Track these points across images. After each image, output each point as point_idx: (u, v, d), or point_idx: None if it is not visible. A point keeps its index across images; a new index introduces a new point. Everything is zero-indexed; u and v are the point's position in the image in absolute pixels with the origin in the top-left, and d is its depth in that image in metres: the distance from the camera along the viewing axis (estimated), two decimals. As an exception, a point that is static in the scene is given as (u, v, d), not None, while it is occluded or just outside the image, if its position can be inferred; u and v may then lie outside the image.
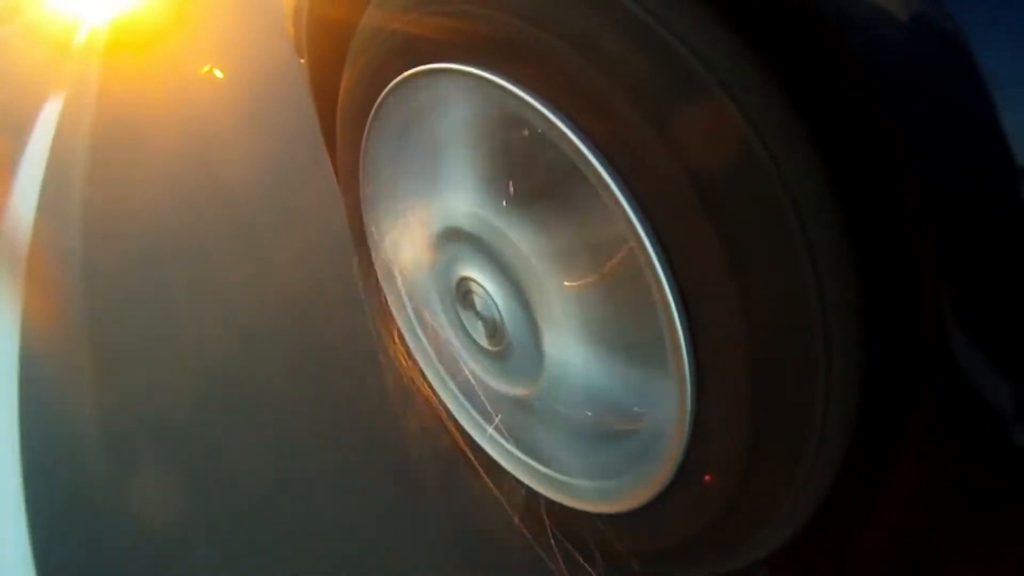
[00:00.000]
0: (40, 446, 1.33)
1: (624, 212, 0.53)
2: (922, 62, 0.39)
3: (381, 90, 0.73)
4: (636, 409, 0.68)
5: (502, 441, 0.83)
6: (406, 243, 0.85)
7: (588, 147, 0.54)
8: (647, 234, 0.52)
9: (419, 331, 0.91)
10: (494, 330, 0.75)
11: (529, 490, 0.81)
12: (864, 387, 0.50)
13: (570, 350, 0.69)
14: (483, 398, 0.84)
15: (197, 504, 1.10)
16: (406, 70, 0.68)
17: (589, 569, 0.77)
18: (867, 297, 0.48)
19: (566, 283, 0.68)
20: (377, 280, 0.95)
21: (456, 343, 0.85)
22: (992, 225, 0.39)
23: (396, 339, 0.94)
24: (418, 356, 0.93)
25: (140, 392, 1.39)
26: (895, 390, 0.50)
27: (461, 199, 0.74)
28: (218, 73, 2.98)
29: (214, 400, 1.31)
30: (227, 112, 2.57)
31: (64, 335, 1.65)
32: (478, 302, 0.76)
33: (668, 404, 0.59)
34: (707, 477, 0.59)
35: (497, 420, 0.78)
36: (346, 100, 0.83)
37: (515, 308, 0.72)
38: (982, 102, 0.37)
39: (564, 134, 0.54)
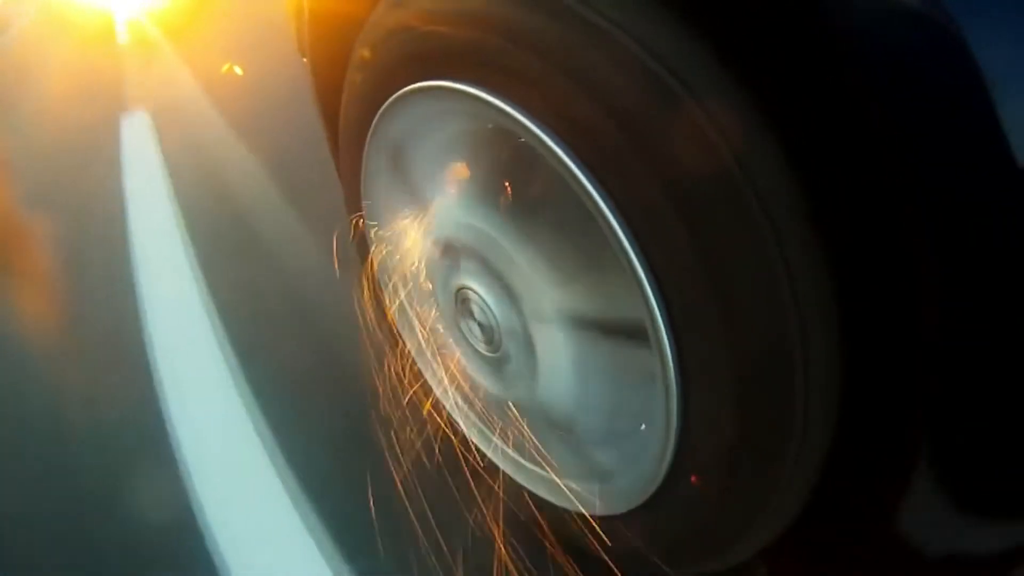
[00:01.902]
0: (44, 444, 1.35)
1: (609, 225, 0.54)
2: (920, 62, 0.39)
3: (379, 106, 0.75)
4: (627, 414, 0.69)
5: (498, 443, 0.85)
6: (406, 249, 0.87)
7: (574, 162, 0.55)
8: (631, 246, 0.54)
9: (420, 336, 0.93)
10: (491, 337, 0.77)
11: (529, 493, 0.83)
12: (844, 388, 0.52)
13: (562, 356, 0.71)
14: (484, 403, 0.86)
15: (199, 503, 1.11)
16: (402, 87, 0.71)
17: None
18: (843, 300, 0.49)
19: (558, 291, 0.69)
20: (378, 283, 0.97)
21: (455, 348, 0.87)
22: (991, 225, 0.40)
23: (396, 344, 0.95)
24: (419, 361, 0.95)
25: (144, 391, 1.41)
26: (879, 391, 0.52)
27: (458, 210, 0.76)
28: (238, 70, 3.00)
29: (218, 400, 1.33)
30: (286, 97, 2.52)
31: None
32: (475, 310, 0.78)
33: (657, 409, 0.60)
34: (693, 478, 0.61)
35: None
36: (347, 112, 0.86)
37: (511, 316, 0.74)
38: (981, 102, 0.37)
39: (553, 151, 0.56)
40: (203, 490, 1.14)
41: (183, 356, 1.47)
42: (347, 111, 0.86)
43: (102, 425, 1.33)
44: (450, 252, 0.79)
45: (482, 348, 0.80)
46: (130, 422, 1.33)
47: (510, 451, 0.84)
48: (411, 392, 0.96)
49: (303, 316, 1.47)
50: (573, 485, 0.75)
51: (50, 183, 2.66)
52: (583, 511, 0.75)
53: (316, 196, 1.67)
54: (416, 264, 0.86)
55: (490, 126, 0.67)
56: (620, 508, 0.70)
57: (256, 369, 1.36)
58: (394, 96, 0.73)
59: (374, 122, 0.78)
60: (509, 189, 0.71)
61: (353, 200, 0.93)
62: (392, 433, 0.95)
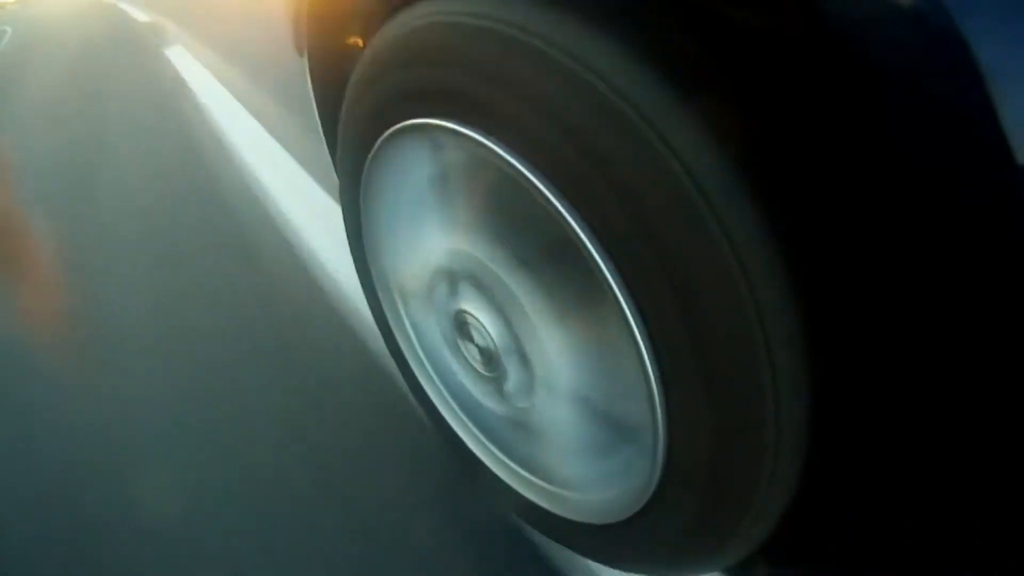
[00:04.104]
0: (41, 442, 1.37)
1: (587, 250, 0.58)
2: (920, 65, 0.39)
3: (374, 142, 0.79)
4: (618, 430, 0.72)
5: (500, 454, 0.88)
6: (406, 272, 0.89)
7: (550, 191, 0.59)
8: (612, 275, 0.57)
9: (420, 353, 0.96)
10: (489, 358, 0.80)
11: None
12: (815, 395, 0.55)
13: (557, 374, 0.73)
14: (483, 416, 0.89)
15: (193, 502, 1.13)
16: (396, 124, 0.74)
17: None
18: (811, 314, 0.52)
19: (551, 314, 0.72)
20: (378, 298, 0.99)
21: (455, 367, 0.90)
22: (991, 226, 0.40)
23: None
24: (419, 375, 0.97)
25: (138, 388, 1.44)
26: (853, 396, 0.56)
27: (454, 238, 0.78)
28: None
29: (213, 399, 1.36)
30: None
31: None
32: (473, 333, 0.80)
33: (645, 423, 0.63)
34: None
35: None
36: (344, 145, 0.88)
37: (507, 339, 0.76)
38: (980, 103, 0.37)
39: (534, 184, 0.60)
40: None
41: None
42: (344, 140, 0.88)
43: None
44: (448, 277, 0.81)
45: (480, 368, 0.83)
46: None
47: (508, 460, 0.87)
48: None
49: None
50: (570, 495, 0.79)
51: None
52: (579, 520, 0.78)
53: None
54: (416, 287, 0.88)
55: (479, 161, 0.68)
56: (614, 517, 0.73)
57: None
58: (389, 131, 0.75)
59: (370, 155, 0.81)
60: (500, 219, 0.73)
61: (353, 226, 0.95)
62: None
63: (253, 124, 2.92)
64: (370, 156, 0.81)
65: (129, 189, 2.70)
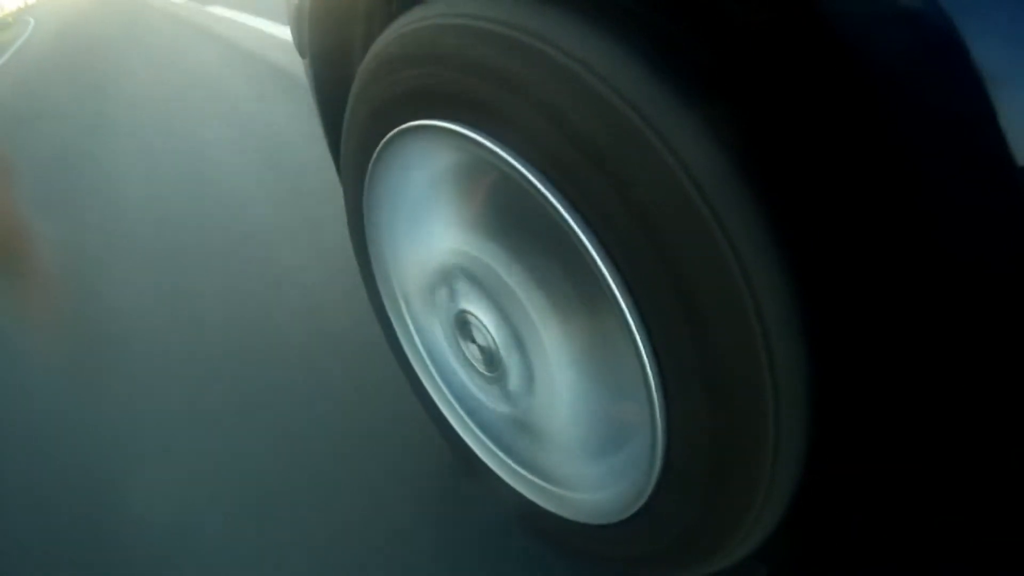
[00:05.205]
0: (42, 439, 1.39)
1: (587, 250, 0.58)
2: (918, 66, 0.39)
3: (377, 143, 0.80)
4: (617, 430, 0.72)
5: (500, 453, 0.89)
6: (409, 273, 0.90)
7: (551, 193, 0.59)
8: (613, 277, 0.57)
9: (422, 352, 0.96)
10: (490, 358, 0.81)
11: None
12: (814, 394, 0.56)
13: (557, 374, 0.74)
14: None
15: (192, 499, 1.14)
16: (398, 125, 0.75)
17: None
18: (810, 313, 0.53)
19: (551, 314, 0.72)
20: (381, 300, 1.00)
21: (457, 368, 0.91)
22: (991, 227, 0.40)
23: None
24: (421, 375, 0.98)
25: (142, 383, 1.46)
26: (854, 394, 0.56)
27: (457, 238, 0.79)
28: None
29: (216, 395, 1.37)
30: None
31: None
32: (475, 332, 0.81)
33: (644, 424, 0.63)
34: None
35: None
36: (348, 147, 0.90)
37: (507, 337, 0.77)
38: (980, 104, 0.37)
39: (535, 186, 0.60)
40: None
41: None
42: (347, 149, 0.90)
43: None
44: (450, 277, 0.82)
45: (481, 368, 0.84)
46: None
47: (508, 460, 0.88)
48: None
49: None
50: (569, 494, 0.79)
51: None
52: (578, 520, 0.79)
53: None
54: (419, 287, 0.89)
55: (482, 161, 0.69)
56: (613, 517, 0.74)
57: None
58: (392, 132, 0.76)
59: (373, 156, 0.82)
60: (501, 219, 0.74)
61: (356, 227, 0.96)
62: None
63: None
64: (373, 158, 0.82)
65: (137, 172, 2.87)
